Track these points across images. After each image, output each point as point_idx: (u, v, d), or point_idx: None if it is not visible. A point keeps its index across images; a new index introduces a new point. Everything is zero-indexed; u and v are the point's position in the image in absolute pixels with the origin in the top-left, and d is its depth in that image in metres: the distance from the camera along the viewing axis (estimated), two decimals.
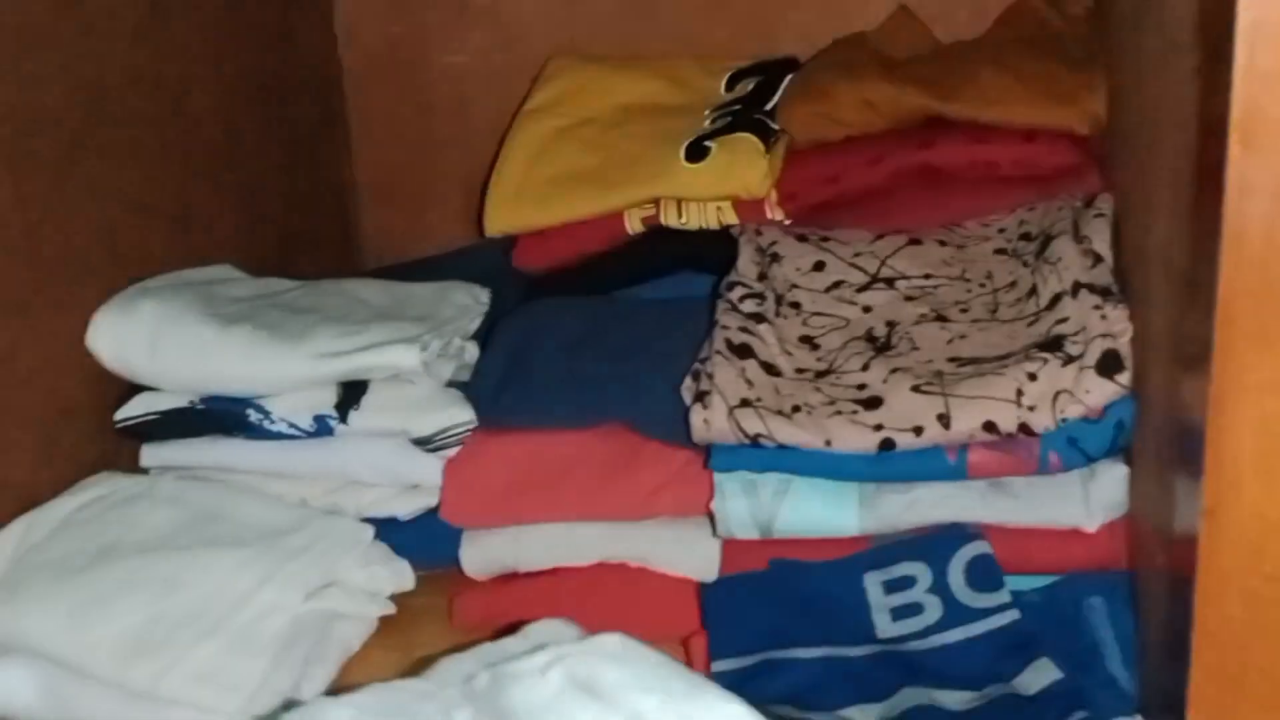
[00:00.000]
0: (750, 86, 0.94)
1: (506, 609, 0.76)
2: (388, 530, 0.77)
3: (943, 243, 0.79)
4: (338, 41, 1.07)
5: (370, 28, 1.07)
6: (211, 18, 0.92)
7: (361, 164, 1.10)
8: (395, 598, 0.75)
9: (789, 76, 0.92)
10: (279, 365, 0.77)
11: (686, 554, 0.74)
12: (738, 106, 0.90)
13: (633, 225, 0.88)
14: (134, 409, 0.80)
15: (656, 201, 0.88)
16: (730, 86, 0.94)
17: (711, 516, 0.70)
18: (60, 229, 0.77)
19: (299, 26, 1.04)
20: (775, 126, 0.87)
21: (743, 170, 0.85)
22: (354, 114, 1.09)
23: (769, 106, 0.90)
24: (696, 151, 0.87)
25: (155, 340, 0.78)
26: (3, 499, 0.74)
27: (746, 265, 0.77)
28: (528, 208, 0.90)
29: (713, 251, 0.85)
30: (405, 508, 0.79)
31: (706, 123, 0.90)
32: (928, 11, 0.96)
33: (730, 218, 0.86)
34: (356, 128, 1.09)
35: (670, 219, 0.87)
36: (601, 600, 0.75)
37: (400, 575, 0.76)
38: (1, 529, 0.74)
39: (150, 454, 0.82)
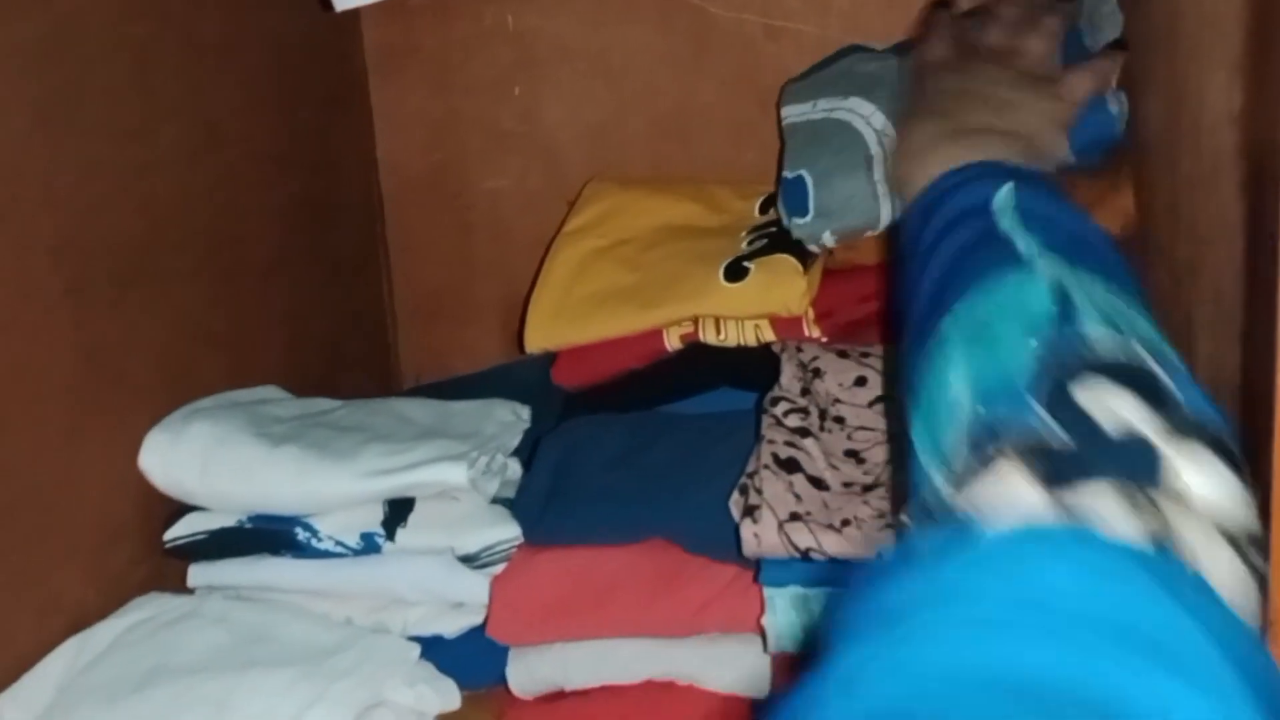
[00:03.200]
0: None
1: None
2: (433, 649, 0.77)
3: None
4: (379, 168, 1.11)
5: (411, 155, 1.10)
6: (261, 146, 0.95)
7: (401, 285, 1.13)
8: (441, 718, 0.75)
9: None
10: (328, 484, 0.78)
11: (736, 670, 0.73)
12: (774, 229, 0.92)
13: (671, 342, 0.90)
14: (182, 529, 0.81)
15: (695, 319, 0.89)
16: (764, 210, 0.97)
17: (763, 632, 0.70)
18: (116, 354, 0.79)
19: (342, 154, 1.08)
20: (812, 249, 0.89)
21: (781, 290, 0.87)
22: (394, 237, 1.12)
23: None
24: (735, 272, 0.89)
25: (206, 460, 0.79)
26: (54, 620, 0.75)
27: (789, 380, 0.78)
28: (567, 325, 0.92)
29: (751, 368, 0.86)
30: (450, 626, 0.79)
31: (744, 244, 0.92)
32: None
33: (768, 335, 0.88)
34: (396, 250, 1.12)
35: (709, 336, 0.89)
36: (650, 719, 0.75)
37: (446, 695, 0.76)
38: (52, 651, 0.74)
39: (197, 574, 0.82)
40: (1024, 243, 0.40)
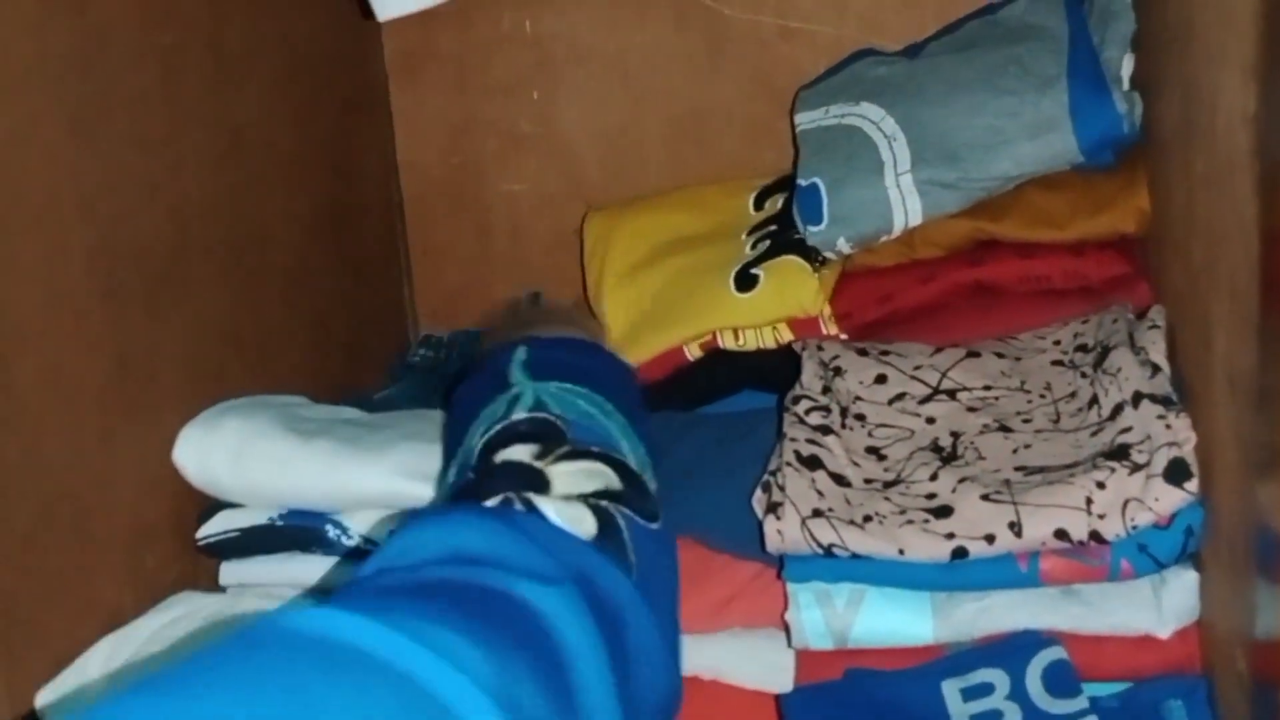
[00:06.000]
0: (780, 203, 0.96)
1: None
2: None
3: (1000, 355, 0.81)
4: (399, 171, 1.12)
5: (431, 158, 1.11)
6: (285, 152, 0.96)
7: (421, 287, 1.14)
8: None
9: None
10: (360, 478, 0.79)
11: (759, 665, 0.74)
12: (773, 227, 0.93)
13: (692, 352, 0.91)
14: (214, 527, 0.82)
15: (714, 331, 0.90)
16: (759, 205, 0.97)
17: (786, 627, 0.71)
18: (147, 358, 0.80)
19: (363, 158, 1.09)
20: (829, 255, 0.90)
21: (794, 292, 0.88)
22: (414, 239, 1.13)
23: None
24: (745, 280, 0.89)
25: (240, 452, 0.80)
26: (90, 619, 0.76)
27: (810, 379, 0.79)
28: None
29: (772, 369, 0.87)
30: None
31: (747, 248, 0.92)
32: None
33: (786, 335, 0.89)
34: (416, 252, 1.13)
35: (728, 342, 0.90)
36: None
37: None
38: (89, 649, 0.75)
39: (229, 572, 0.83)
40: (514, 376, 0.62)
